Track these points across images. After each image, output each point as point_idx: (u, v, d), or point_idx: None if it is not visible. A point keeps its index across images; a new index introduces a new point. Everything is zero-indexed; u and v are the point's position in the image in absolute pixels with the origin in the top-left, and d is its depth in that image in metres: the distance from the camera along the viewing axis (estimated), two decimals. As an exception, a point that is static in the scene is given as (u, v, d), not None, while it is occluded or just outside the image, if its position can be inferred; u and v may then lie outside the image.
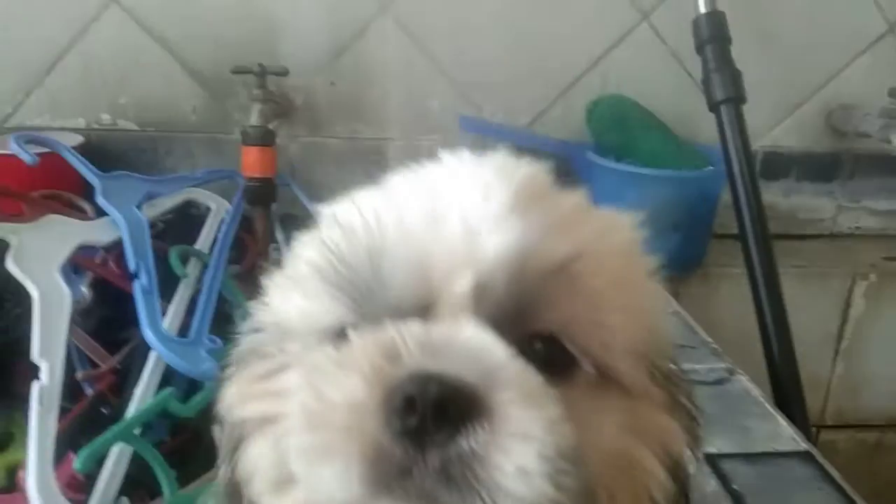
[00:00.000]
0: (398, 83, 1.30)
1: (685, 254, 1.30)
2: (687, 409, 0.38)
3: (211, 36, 1.29)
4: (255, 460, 0.37)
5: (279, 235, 1.21)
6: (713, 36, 1.15)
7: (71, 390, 0.78)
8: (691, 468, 0.38)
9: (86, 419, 0.78)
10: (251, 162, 1.17)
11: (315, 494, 0.30)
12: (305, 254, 0.37)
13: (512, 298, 0.32)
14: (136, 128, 1.35)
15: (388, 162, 1.29)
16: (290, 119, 1.32)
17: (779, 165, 1.46)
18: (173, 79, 1.32)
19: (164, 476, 0.63)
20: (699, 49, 1.18)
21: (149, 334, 0.78)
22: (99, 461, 0.65)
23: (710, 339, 1.04)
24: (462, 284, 0.31)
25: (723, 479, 0.74)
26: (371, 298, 0.33)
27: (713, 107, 1.16)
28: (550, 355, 0.33)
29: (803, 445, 0.81)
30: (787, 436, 0.83)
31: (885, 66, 1.39)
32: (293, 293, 0.37)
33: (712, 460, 0.77)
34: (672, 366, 0.38)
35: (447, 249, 0.32)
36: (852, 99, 1.40)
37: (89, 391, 0.81)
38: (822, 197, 1.48)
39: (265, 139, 1.17)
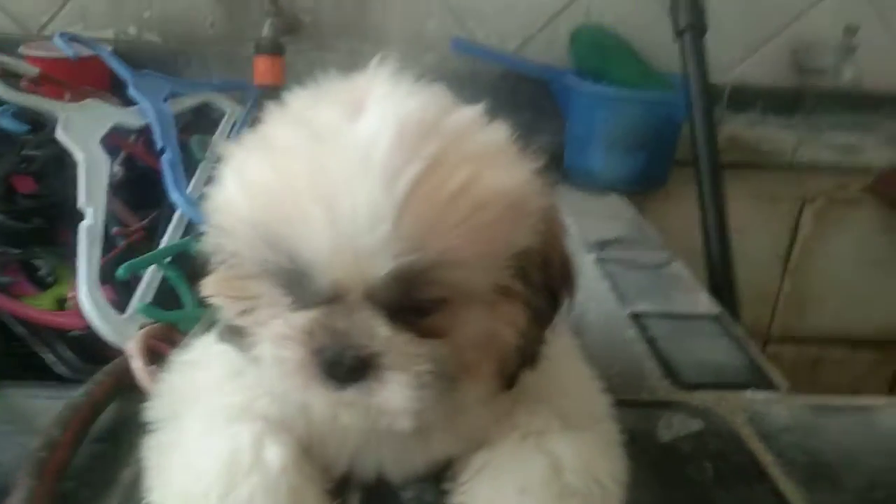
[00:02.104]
0: (398, 5, 1.44)
1: (649, 173, 1.44)
2: (535, 303, 0.51)
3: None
4: (226, 316, 0.53)
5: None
6: (681, -32, 1.27)
7: (107, 244, 0.94)
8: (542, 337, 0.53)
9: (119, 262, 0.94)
10: (263, 70, 1.32)
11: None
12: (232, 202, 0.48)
13: (393, 293, 0.46)
14: (158, 40, 1.49)
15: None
16: (298, 35, 1.45)
17: (745, 99, 1.58)
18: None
19: (186, 293, 0.80)
20: (669, -19, 1.30)
21: (176, 196, 0.94)
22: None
23: (656, 236, 1.19)
24: (356, 293, 0.46)
25: (642, 329, 0.90)
26: (296, 282, 0.47)
27: (678, 34, 1.28)
28: (425, 305, 0.48)
29: (716, 310, 0.96)
30: (704, 303, 0.98)
31: (848, 5, 1.50)
32: (230, 231, 0.49)
33: (636, 317, 0.93)
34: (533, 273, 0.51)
35: (344, 270, 0.45)
36: (815, 37, 1.52)
37: (122, 244, 0.97)
38: (783, 130, 1.61)
39: (275, 49, 1.31)
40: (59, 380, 0.81)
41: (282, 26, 1.34)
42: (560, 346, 0.63)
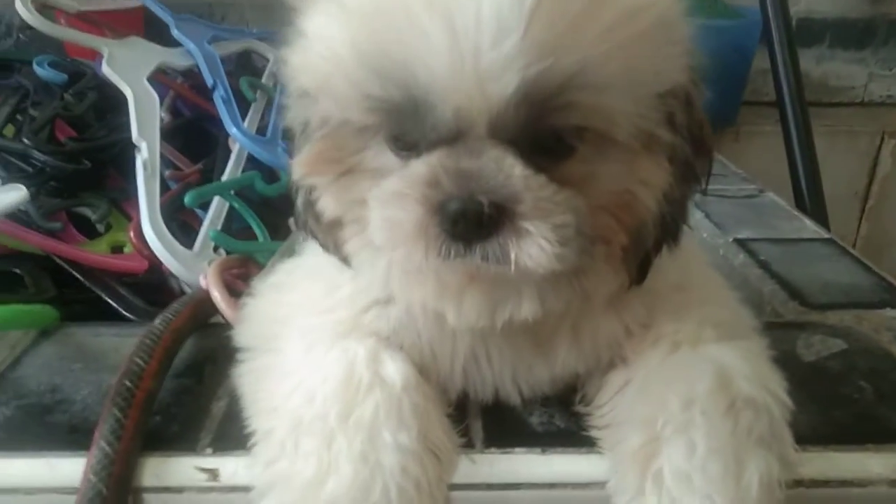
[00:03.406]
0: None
1: (719, 109, 1.35)
2: (683, 155, 0.43)
3: None
4: (325, 208, 0.46)
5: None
6: None
7: (162, 187, 0.87)
8: (685, 202, 0.45)
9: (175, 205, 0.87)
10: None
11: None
12: (331, 40, 0.40)
13: (530, 117, 0.38)
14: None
15: None
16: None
17: (812, 32, 1.48)
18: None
19: (256, 225, 0.73)
20: None
21: (234, 131, 0.87)
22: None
23: (740, 171, 1.11)
24: (480, 125, 0.38)
25: (751, 253, 0.82)
26: (410, 120, 0.39)
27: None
28: (560, 142, 0.40)
29: (825, 234, 0.88)
30: (811, 229, 0.90)
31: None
32: (330, 71, 0.41)
33: (742, 243, 0.85)
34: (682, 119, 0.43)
35: (465, 95, 0.37)
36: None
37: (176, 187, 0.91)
38: (854, 65, 1.51)
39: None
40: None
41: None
42: (693, 248, 0.55)
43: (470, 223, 0.38)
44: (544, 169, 0.39)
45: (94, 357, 0.60)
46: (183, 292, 0.82)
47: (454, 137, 0.39)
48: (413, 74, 0.37)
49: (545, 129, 0.39)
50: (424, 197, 0.38)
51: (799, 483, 0.48)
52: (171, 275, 0.79)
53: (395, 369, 0.47)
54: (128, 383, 0.49)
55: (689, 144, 0.43)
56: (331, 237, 0.48)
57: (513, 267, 0.38)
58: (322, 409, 0.45)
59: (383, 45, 0.38)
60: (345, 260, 0.48)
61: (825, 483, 0.50)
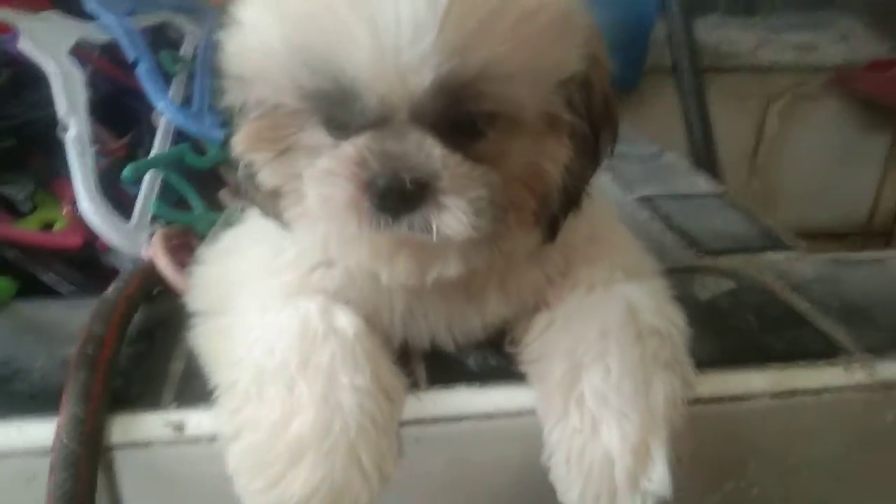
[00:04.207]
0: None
1: (622, 78, 1.44)
2: (581, 132, 0.49)
3: None
4: (265, 180, 0.50)
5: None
6: None
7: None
8: (585, 173, 0.51)
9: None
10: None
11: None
12: (266, 34, 0.44)
13: (445, 104, 0.43)
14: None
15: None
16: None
17: (705, 2, 1.59)
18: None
19: (192, 196, 0.75)
20: None
21: (161, 104, 0.87)
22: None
23: (640, 132, 1.20)
24: (402, 111, 0.43)
25: (654, 209, 0.91)
26: (340, 106, 0.44)
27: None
28: (473, 125, 0.45)
29: (718, 189, 0.98)
30: (705, 185, 1.00)
31: None
32: (263, 60, 0.45)
33: (645, 200, 0.94)
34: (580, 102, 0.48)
35: (388, 85, 0.42)
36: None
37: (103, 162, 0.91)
38: (744, 31, 1.63)
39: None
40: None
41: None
42: (603, 205, 0.62)
43: (395, 198, 0.43)
44: (461, 148, 0.45)
45: (45, 329, 0.62)
46: (116, 268, 0.84)
47: (380, 122, 0.44)
48: (341, 68, 0.42)
49: (460, 114, 0.45)
50: (354, 175, 0.44)
51: (698, 401, 0.56)
52: (106, 250, 0.80)
53: (346, 321, 0.52)
54: (89, 350, 0.52)
55: (588, 123, 0.50)
56: (271, 205, 0.52)
57: (434, 236, 0.44)
58: (282, 357, 0.49)
59: (313, 41, 0.43)
60: (286, 225, 0.52)
61: (719, 400, 0.59)
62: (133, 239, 0.73)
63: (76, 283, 0.76)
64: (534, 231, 0.52)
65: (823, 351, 0.62)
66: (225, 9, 1.31)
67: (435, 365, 0.58)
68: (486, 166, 0.46)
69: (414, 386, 0.55)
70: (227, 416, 0.49)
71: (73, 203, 0.78)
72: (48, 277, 0.75)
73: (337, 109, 0.45)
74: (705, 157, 1.28)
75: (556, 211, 0.51)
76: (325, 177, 0.45)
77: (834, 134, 1.65)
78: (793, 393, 0.59)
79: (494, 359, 0.59)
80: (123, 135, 0.97)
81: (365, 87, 0.42)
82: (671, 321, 0.54)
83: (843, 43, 1.63)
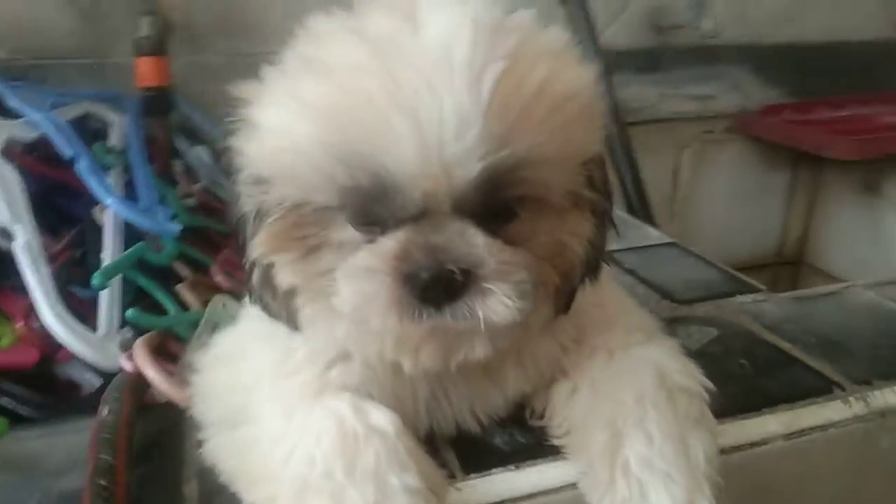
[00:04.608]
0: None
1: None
2: (601, 207, 0.51)
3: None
4: (285, 281, 0.48)
5: (180, 145, 1.24)
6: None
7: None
8: (603, 245, 0.53)
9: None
10: (147, 72, 1.20)
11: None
12: (297, 133, 0.43)
13: (484, 195, 0.44)
14: (6, 56, 1.30)
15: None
16: (171, 37, 1.34)
17: (612, 62, 1.68)
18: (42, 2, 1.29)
19: (163, 298, 0.71)
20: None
21: (109, 201, 0.82)
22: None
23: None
24: (445, 203, 0.43)
25: (618, 263, 0.94)
26: (377, 202, 0.43)
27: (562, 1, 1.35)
28: (506, 209, 0.46)
29: (668, 239, 1.02)
30: (654, 235, 1.04)
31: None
32: (289, 159, 0.44)
33: (608, 254, 0.96)
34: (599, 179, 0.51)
35: (432, 180, 0.42)
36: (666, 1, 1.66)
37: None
38: (648, 86, 1.73)
39: (158, 49, 1.20)
40: (22, 421, 0.68)
41: (161, 25, 1.23)
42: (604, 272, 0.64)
43: (440, 289, 0.43)
44: (495, 233, 0.45)
45: (28, 466, 0.55)
46: (73, 381, 0.77)
47: (420, 215, 0.44)
48: (382, 164, 0.42)
49: (497, 200, 0.45)
50: (395, 270, 0.43)
51: (721, 451, 0.57)
52: (65, 364, 0.74)
53: (382, 418, 0.50)
54: (103, 482, 0.47)
55: (605, 197, 0.51)
56: (285, 306, 0.50)
57: (481, 324, 0.43)
58: (325, 467, 0.46)
59: (350, 138, 0.42)
60: (295, 326, 0.51)
61: (739, 448, 0.60)
62: (103, 349, 0.68)
63: (34, 405, 0.68)
64: (552, 304, 0.52)
65: (820, 388, 0.65)
66: (153, 91, 1.26)
67: (464, 451, 0.56)
68: (518, 247, 0.46)
69: (450, 477, 0.53)
70: (272, 538, 0.46)
71: (27, 315, 0.71)
72: (3, 401, 0.67)
73: (374, 205, 0.44)
74: (640, 206, 1.34)
75: (576, 285, 0.52)
76: (362, 273, 0.44)
77: (740, 173, 1.77)
78: (802, 432, 0.62)
79: (521, 435, 0.58)
80: (59, 236, 0.91)
81: (408, 182, 0.42)
82: (695, 378, 0.56)
83: (736, 91, 1.77)
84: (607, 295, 0.62)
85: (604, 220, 0.52)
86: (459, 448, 0.56)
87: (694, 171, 1.73)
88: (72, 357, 0.73)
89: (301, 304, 0.49)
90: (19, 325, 0.71)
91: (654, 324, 0.63)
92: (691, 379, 0.55)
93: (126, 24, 1.26)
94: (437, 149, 0.41)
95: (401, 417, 0.52)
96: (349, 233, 0.46)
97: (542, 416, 0.58)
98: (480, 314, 0.43)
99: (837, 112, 1.72)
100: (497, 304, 0.43)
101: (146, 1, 1.24)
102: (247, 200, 0.48)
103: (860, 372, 0.68)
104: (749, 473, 0.61)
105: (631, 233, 1.05)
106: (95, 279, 0.67)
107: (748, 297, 0.84)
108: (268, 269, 0.49)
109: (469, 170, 0.42)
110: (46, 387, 0.74)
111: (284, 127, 0.44)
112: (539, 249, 0.48)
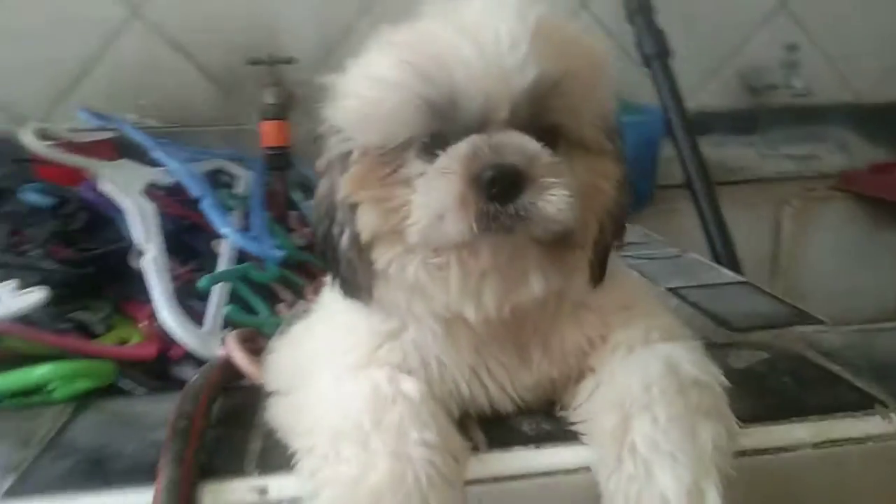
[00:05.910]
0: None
1: (638, 193, 1.54)
2: (623, 156, 0.59)
3: (220, 40, 1.52)
4: (366, 222, 0.56)
5: (296, 197, 1.42)
6: (640, 6, 1.42)
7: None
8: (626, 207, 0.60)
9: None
10: (270, 134, 1.39)
11: (432, 240, 0.52)
12: (380, 76, 0.54)
13: (531, 113, 0.53)
14: (158, 123, 1.55)
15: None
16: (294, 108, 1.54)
17: (707, 123, 1.72)
18: (187, 79, 1.54)
19: (258, 302, 0.83)
20: (630, 19, 1.45)
21: (226, 231, 0.98)
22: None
23: (661, 238, 1.27)
24: (504, 110, 0.53)
25: (682, 297, 0.96)
26: (447, 119, 0.53)
27: (646, 61, 1.42)
28: (551, 137, 0.54)
29: (742, 278, 1.03)
30: (728, 275, 1.06)
31: (781, 32, 1.69)
32: (368, 111, 0.54)
33: (673, 290, 0.99)
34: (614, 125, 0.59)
35: (494, 86, 0.52)
36: (759, 62, 1.69)
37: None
38: (745, 147, 1.75)
39: (281, 114, 1.39)
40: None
41: (283, 94, 1.43)
42: (634, 279, 0.69)
43: (505, 184, 0.50)
44: None
45: (132, 420, 0.67)
46: (184, 380, 0.90)
47: (481, 127, 0.52)
48: (451, 75, 0.51)
49: (540, 124, 0.53)
50: (465, 169, 0.51)
51: (743, 453, 0.59)
52: (177, 362, 0.87)
53: (411, 386, 0.57)
54: (182, 425, 0.57)
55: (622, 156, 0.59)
56: (362, 260, 0.57)
57: (541, 215, 0.50)
58: (356, 419, 0.54)
59: (428, 58, 0.52)
60: (368, 289, 0.58)
61: (763, 451, 0.61)
62: (207, 342, 0.80)
63: (149, 388, 0.82)
64: (587, 269, 0.59)
65: (860, 403, 0.66)
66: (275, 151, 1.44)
67: (492, 432, 0.62)
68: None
69: (475, 449, 0.59)
70: (308, 477, 0.54)
71: (150, 318, 0.85)
72: (124, 383, 0.81)
73: (442, 124, 0.53)
74: (726, 258, 1.34)
75: (609, 241, 0.59)
76: (437, 175, 0.52)
77: (847, 232, 1.72)
78: (834, 442, 0.62)
79: (547, 424, 0.63)
80: (185, 264, 1.08)
81: (473, 90, 0.51)
82: (709, 372, 0.59)
83: (841, 152, 1.74)
84: (636, 300, 0.66)
85: (625, 180, 0.58)
86: (488, 429, 0.62)
87: (797, 228, 1.70)
88: (183, 356, 0.86)
89: (377, 255, 0.56)
90: (142, 324, 0.85)
91: (684, 331, 0.66)
92: (705, 372, 0.58)
93: (258, 96, 1.47)
94: (496, 59, 0.51)
95: (439, 395, 0.60)
96: (418, 166, 0.54)
97: (568, 409, 0.63)
98: (539, 205, 0.50)
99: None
100: (553, 197, 0.50)
101: (272, 74, 1.44)
102: (332, 149, 0.57)
103: (909, 393, 0.67)
104: (775, 479, 0.62)
105: (703, 273, 1.07)
106: (202, 282, 0.80)
107: (809, 328, 0.84)
108: (352, 211, 0.56)
109: (522, 78, 0.51)
110: (161, 379, 0.87)
111: (374, 64, 0.54)
112: (576, 183, 0.53)
